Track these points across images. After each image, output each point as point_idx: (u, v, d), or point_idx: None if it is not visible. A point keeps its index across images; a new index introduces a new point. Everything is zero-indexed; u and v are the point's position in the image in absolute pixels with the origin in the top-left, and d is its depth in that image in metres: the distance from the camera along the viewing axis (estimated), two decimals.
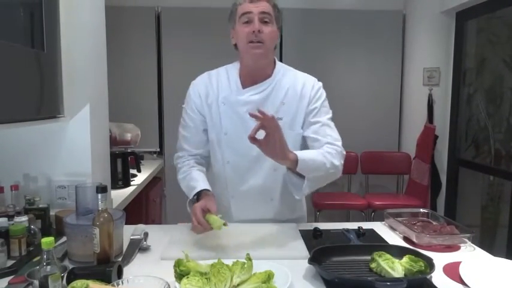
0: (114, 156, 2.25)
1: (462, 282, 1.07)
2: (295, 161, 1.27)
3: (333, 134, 1.44)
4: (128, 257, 1.22)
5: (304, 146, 1.47)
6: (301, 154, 1.30)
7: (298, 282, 1.07)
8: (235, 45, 1.45)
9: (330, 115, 1.48)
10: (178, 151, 1.55)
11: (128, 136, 2.65)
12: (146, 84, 3.62)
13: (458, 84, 3.49)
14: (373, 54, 3.75)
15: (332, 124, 1.47)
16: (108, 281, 0.98)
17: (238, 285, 0.97)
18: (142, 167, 2.73)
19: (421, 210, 1.64)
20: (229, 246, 1.31)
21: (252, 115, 1.18)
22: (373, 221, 1.95)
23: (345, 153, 1.44)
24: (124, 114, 3.00)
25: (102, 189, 1.10)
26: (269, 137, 1.19)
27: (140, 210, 2.63)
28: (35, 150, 1.63)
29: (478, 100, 3.46)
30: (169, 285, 0.91)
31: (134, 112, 3.41)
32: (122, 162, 2.36)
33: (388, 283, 0.99)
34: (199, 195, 1.39)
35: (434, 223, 1.50)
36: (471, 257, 1.26)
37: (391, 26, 3.76)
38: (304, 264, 1.13)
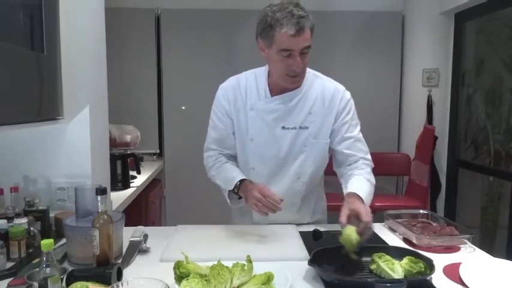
0: (113, 158, 2.25)
1: (462, 283, 1.07)
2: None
3: (364, 148, 1.52)
4: (128, 258, 1.22)
5: (332, 155, 1.52)
6: (365, 195, 1.33)
7: (298, 283, 1.07)
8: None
9: (359, 126, 1.51)
10: (208, 151, 1.56)
11: (128, 138, 2.65)
12: (146, 85, 3.62)
13: (458, 85, 3.49)
14: (372, 55, 3.75)
15: (362, 136, 1.52)
16: (107, 283, 0.98)
17: (238, 287, 0.97)
18: (142, 169, 2.74)
19: (421, 211, 1.64)
20: (229, 247, 1.31)
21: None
22: (373, 222, 1.95)
23: (373, 165, 1.52)
24: (124, 116, 3.00)
25: (101, 191, 1.10)
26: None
27: (140, 212, 2.63)
28: (35, 152, 1.63)
29: (477, 101, 3.46)
30: (169, 287, 0.91)
31: (134, 114, 3.41)
32: (121, 163, 2.36)
33: (388, 284, 0.99)
34: (241, 184, 1.40)
35: (434, 224, 1.51)
36: (471, 258, 1.26)
37: (390, 27, 3.76)
38: (304, 266, 1.13)
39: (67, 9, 1.49)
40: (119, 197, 2.13)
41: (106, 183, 1.82)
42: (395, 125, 3.84)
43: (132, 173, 2.57)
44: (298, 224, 1.53)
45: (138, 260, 1.24)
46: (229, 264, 1.04)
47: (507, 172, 3.03)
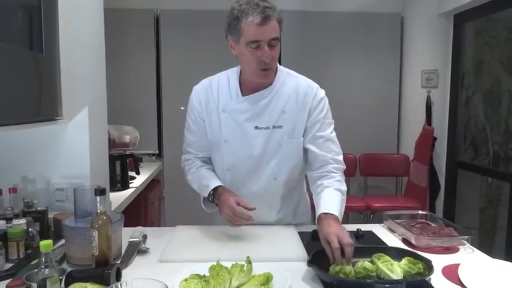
0: (112, 159, 2.25)
1: (461, 284, 1.07)
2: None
3: (335, 149, 1.45)
4: (127, 259, 1.22)
5: (305, 155, 1.48)
6: (339, 212, 1.31)
7: (297, 284, 1.07)
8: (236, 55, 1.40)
9: (333, 126, 1.47)
10: (185, 153, 1.56)
11: (127, 138, 2.64)
12: (145, 86, 3.62)
13: (457, 87, 3.49)
14: (371, 57, 3.76)
15: (334, 136, 1.47)
16: (106, 283, 0.98)
17: (237, 287, 0.97)
18: (141, 169, 2.73)
19: (420, 212, 1.64)
20: (228, 248, 1.31)
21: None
22: (372, 223, 1.95)
23: (345, 167, 1.47)
24: (123, 117, 2.99)
25: (100, 192, 1.10)
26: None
27: (139, 212, 2.63)
28: (34, 152, 1.63)
29: (476, 102, 3.46)
30: (167, 287, 0.91)
31: (133, 114, 3.41)
32: (120, 164, 2.36)
33: (387, 285, 0.99)
34: (215, 191, 1.41)
35: (433, 225, 1.51)
36: (470, 259, 1.26)
37: (389, 29, 3.77)
38: (303, 267, 1.13)
39: (66, 9, 1.49)
40: (118, 198, 2.13)
41: (105, 183, 1.82)
42: (394, 126, 3.85)
43: (131, 173, 2.57)
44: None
45: (137, 261, 1.24)
46: (228, 264, 1.04)
47: (506, 173, 3.03)
